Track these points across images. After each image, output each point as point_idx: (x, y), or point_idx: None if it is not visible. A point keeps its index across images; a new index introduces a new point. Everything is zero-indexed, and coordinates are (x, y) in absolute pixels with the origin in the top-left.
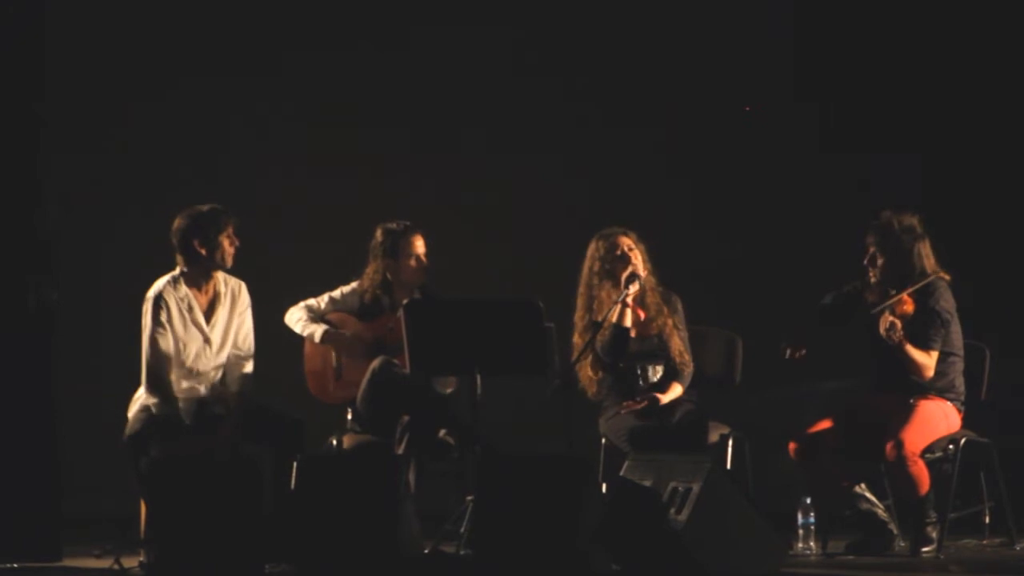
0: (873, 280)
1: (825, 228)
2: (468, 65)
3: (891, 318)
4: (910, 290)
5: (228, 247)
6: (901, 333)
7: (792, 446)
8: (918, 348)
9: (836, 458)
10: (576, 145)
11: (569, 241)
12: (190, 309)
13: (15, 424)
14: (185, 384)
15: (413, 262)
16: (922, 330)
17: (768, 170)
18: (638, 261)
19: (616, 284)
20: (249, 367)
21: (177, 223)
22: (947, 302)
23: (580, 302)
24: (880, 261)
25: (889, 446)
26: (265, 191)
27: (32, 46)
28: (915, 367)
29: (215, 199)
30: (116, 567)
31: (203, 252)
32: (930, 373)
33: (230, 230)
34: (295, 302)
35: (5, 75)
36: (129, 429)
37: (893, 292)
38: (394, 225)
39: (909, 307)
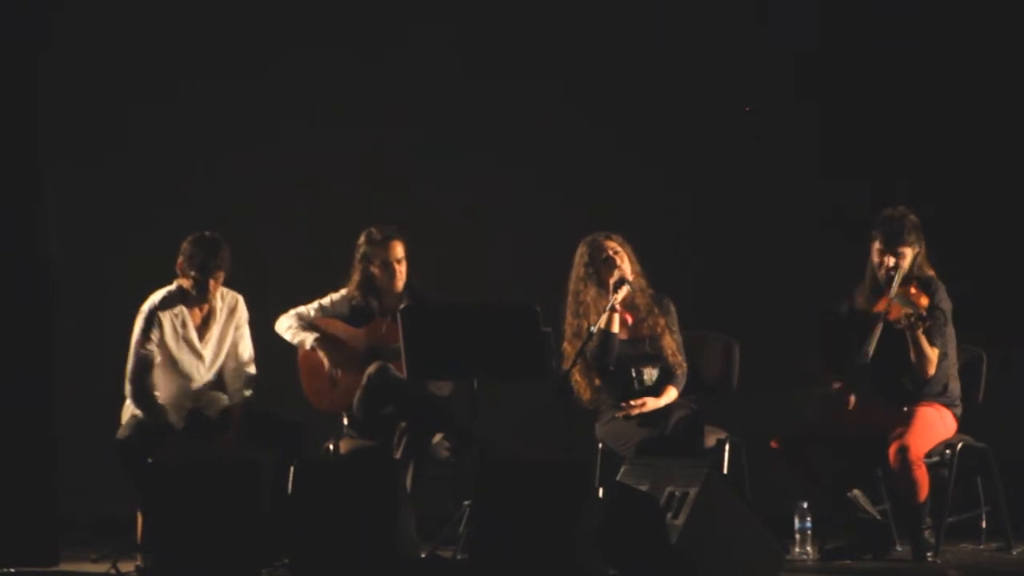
0: (882, 276)
1: (823, 231)
2: (468, 66)
3: (911, 309)
4: (915, 286)
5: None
6: (927, 323)
7: (775, 442)
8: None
9: (821, 455)
10: (576, 148)
11: (567, 245)
12: (184, 325)
13: (14, 427)
14: (177, 393)
15: (388, 269)
16: (927, 327)
17: (766, 174)
18: (624, 263)
19: (602, 288)
20: (250, 374)
21: (186, 247)
22: (947, 302)
23: (569, 309)
24: (893, 261)
25: (893, 451)
26: (263, 193)
27: (31, 51)
28: (924, 361)
29: (213, 201)
30: (113, 571)
31: (208, 284)
32: (933, 370)
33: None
34: (294, 305)
35: (5, 78)
36: (120, 433)
37: (897, 289)
38: (375, 231)
39: (925, 300)
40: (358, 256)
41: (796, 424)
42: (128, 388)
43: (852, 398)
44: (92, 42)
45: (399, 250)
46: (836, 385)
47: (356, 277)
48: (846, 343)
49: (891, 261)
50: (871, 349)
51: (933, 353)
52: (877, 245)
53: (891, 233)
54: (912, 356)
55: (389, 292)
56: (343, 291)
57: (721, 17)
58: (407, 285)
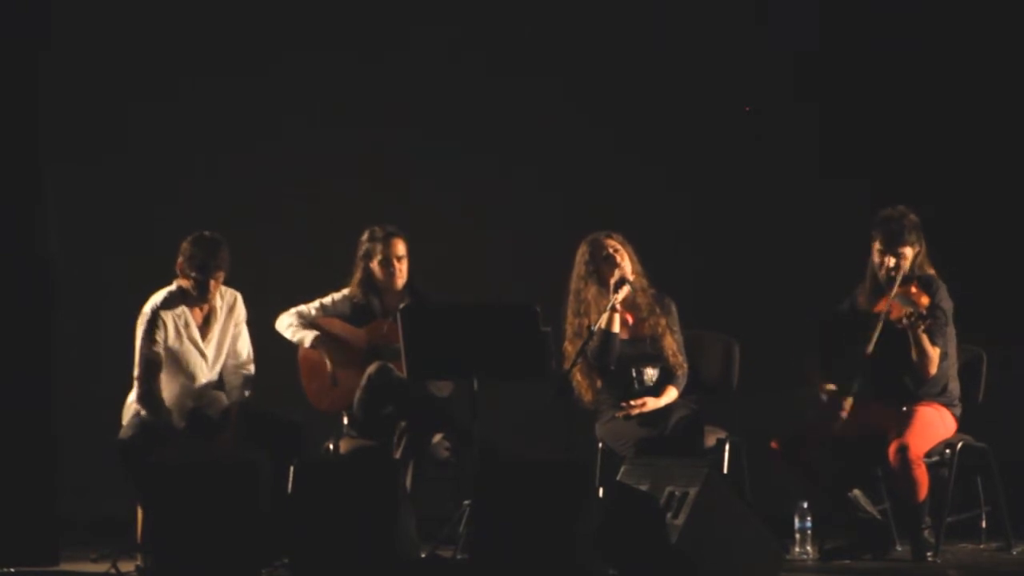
0: (883, 276)
1: (822, 231)
2: (468, 66)
3: (912, 308)
4: (915, 285)
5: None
6: (928, 322)
7: (775, 443)
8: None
9: (821, 455)
10: (576, 148)
11: (567, 245)
12: (186, 325)
13: (14, 427)
14: (180, 393)
15: (388, 266)
16: (928, 326)
17: (766, 174)
18: (625, 262)
19: (603, 287)
20: (248, 374)
21: (185, 247)
22: (947, 302)
23: (570, 308)
24: (893, 261)
25: (893, 450)
26: (263, 193)
27: (31, 51)
28: (925, 360)
29: (213, 201)
30: (113, 571)
31: (208, 284)
32: (935, 369)
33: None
34: (294, 305)
35: (5, 78)
36: (122, 433)
37: (897, 289)
38: (377, 229)
39: (926, 299)
40: (360, 254)
41: (796, 424)
42: (137, 391)
43: (848, 402)
44: (92, 42)
45: (400, 247)
46: (829, 386)
47: (358, 276)
48: (844, 342)
49: (891, 261)
50: (870, 348)
51: (935, 352)
52: (877, 246)
53: (890, 233)
54: (913, 356)
55: (390, 291)
56: (345, 291)
57: (721, 17)
58: (408, 284)
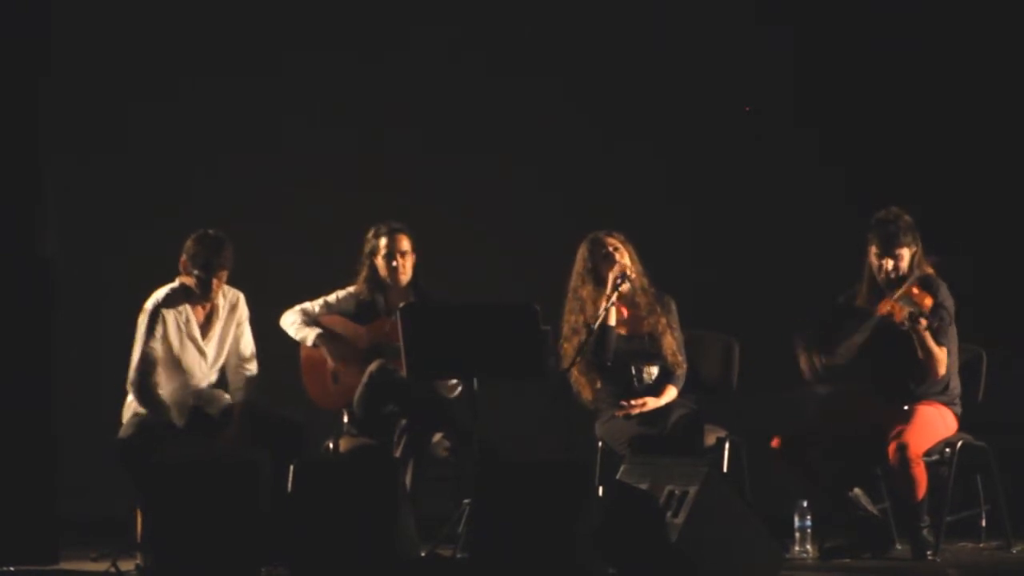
0: (882, 279)
1: (822, 231)
2: (468, 66)
3: (915, 309)
4: (916, 286)
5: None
6: (933, 322)
7: (775, 442)
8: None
9: (821, 454)
10: (576, 148)
11: (567, 245)
12: (187, 323)
13: (14, 427)
14: (180, 391)
15: (392, 262)
16: (934, 327)
17: (766, 175)
18: (625, 260)
19: (600, 285)
20: (252, 374)
21: (189, 245)
22: (949, 300)
23: (567, 307)
24: (891, 264)
25: (892, 448)
26: (263, 193)
27: (31, 50)
28: (932, 361)
29: (213, 201)
30: (113, 570)
31: (211, 282)
32: (944, 369)
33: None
34: (293, 305)
35: (5, 78)
36: (122, 433)
37: (897, 289)
38: (382, 225)
39: (928, 300)
40: (365, 251)
41: (796, 424)
42: (132, 385)
43: (845, 393)
44: (92, 42)
45: (404, 243)
46: (814, 376)
47: (363, 273)
48: (840, 335)
49: (889, 264)
50: (855, 345)
51: (941, 352)
52: (874, 249)
53: (887, 236)
54: (920, 356)
55: (395, 287)
56: (351, 288)
57: (721, 17)
58: (413, 283)
